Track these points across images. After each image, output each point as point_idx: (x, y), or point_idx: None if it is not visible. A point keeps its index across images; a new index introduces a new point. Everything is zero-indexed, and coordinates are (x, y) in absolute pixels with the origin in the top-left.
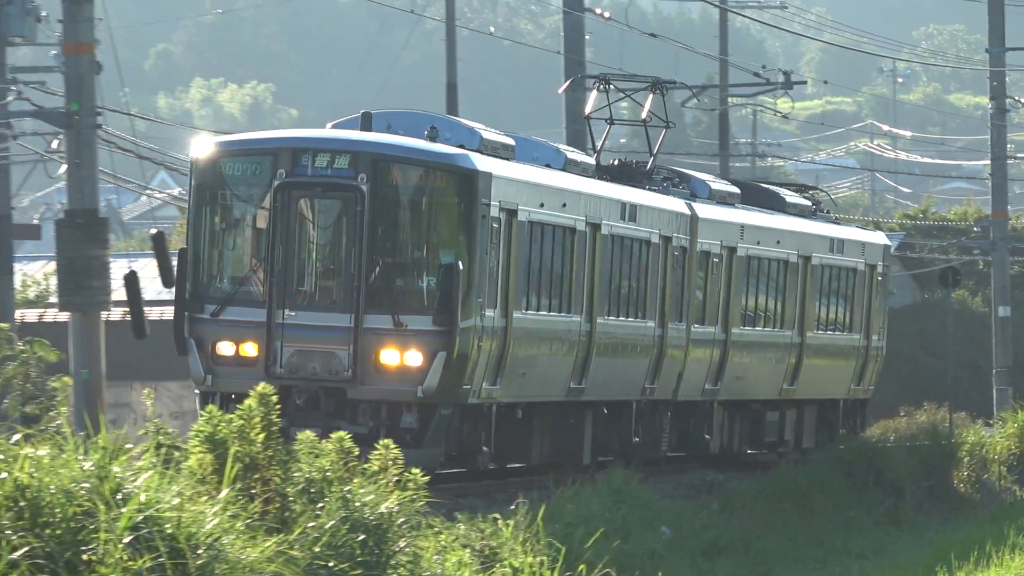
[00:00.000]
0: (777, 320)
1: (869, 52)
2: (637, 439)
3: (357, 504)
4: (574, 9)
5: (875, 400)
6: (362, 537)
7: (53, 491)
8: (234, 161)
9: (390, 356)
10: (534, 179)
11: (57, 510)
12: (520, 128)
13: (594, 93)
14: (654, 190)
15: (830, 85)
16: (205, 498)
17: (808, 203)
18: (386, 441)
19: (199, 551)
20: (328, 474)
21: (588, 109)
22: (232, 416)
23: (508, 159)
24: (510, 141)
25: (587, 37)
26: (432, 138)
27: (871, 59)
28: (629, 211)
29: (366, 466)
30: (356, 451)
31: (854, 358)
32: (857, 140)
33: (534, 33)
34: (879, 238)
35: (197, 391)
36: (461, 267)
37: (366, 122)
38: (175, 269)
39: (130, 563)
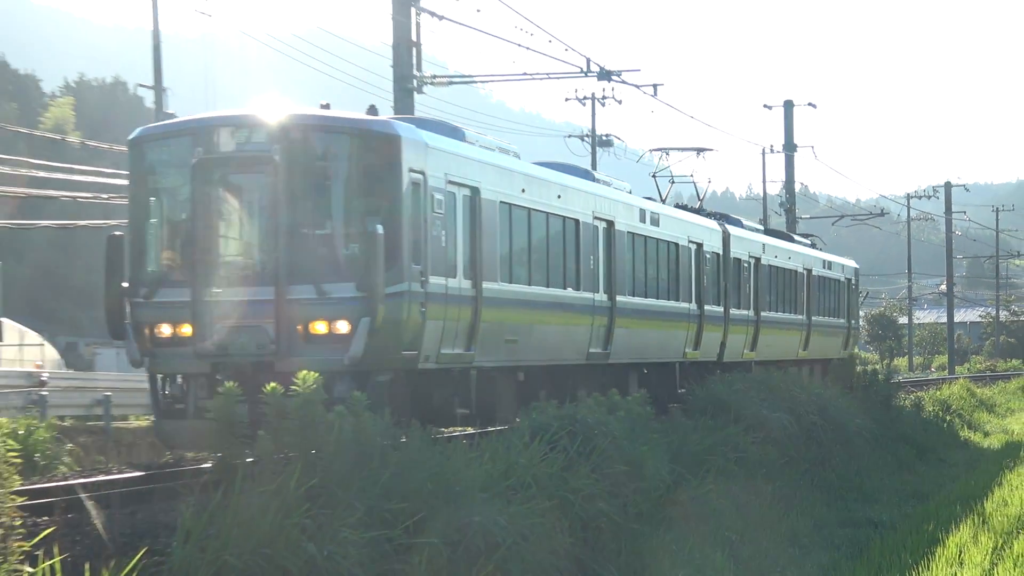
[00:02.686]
0: (792, 307)
1: None
2: (683, 390)
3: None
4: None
5: None
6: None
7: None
8: (158, 144)
9: (315, 326)
10: (510, 167)
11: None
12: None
13: (656, 159)
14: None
15: None
16: None
17: (807, 240)
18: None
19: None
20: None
21: (653, 171)
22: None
23: (505, 153)
24: (511, 146)
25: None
26: (372, 115)
27: None
28: (651, 217)
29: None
30: None
31: (842, 334)
32: None
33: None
34: (852, 263)
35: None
36: (381, 231)
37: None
38: (106, 256)
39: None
